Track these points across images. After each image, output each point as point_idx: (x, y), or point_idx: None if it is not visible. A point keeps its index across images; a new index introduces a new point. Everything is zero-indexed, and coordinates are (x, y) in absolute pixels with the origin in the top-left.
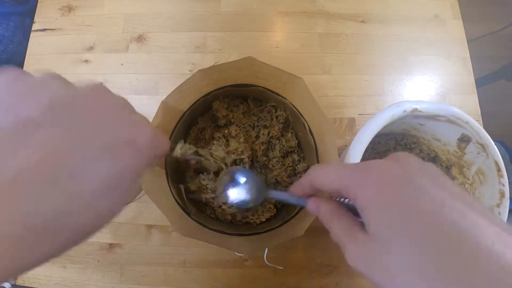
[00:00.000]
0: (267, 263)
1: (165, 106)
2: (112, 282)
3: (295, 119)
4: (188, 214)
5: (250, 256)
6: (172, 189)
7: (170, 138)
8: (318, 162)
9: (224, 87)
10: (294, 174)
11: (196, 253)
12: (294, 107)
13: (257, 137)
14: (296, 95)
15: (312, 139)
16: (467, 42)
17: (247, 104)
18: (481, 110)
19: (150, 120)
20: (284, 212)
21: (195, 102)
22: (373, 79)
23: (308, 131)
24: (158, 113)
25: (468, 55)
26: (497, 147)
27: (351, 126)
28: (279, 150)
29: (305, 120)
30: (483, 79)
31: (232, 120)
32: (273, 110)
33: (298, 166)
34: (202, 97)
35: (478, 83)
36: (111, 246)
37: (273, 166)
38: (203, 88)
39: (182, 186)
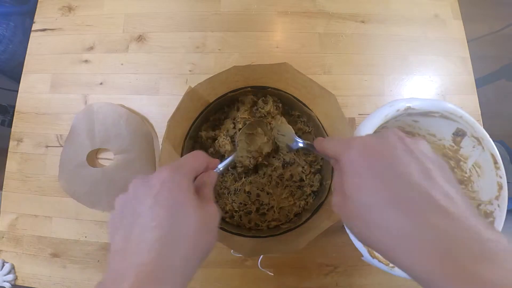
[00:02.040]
0: (260, 268)
1: (193, 92)
2: None
3: (318, 132)
4: None
5: (249, 257)
6: None
7: (193, 124)
8: (332, 178)
9: (253, 87)
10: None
11: None
12: (319, 121)
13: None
14: (323, 109)
15: None
16: (467, 42)
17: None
18: (481, 110)
19: (149, 119)
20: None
21: (223, 96)
22: (373, 79)
23: None
24: (184, 98)
25: (468, 55)
26: (497, 147)
27: (351, 126)
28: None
29: (327, 135)
30: (483, 79)
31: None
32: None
33: (314, 177)
34: (230, 92)
35: (478, 83)
36: None
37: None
38: (233, 84)
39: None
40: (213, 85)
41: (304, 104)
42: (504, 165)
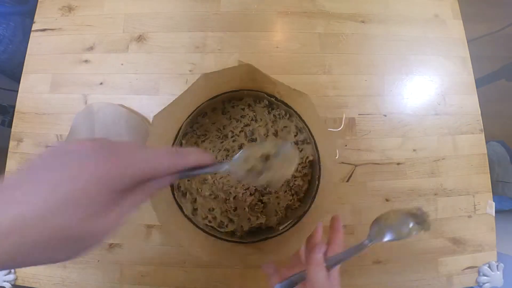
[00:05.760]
0: None
1: (164, 115)
2: (112, 282)
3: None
4: (182, 211)
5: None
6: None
7: (177, 135)
8: (317, 186)
9: (226, 93)
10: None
11: None
12: (301, 118)
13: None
14: (302, 108)
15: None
16: (467, 42)
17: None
18: (481, 110)
19: (150, 119)
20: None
21: (203, 103)
22: (373, 79)
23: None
24: (155, 125)
25: (468, 55)
26: (497, 147)
27: (351, 126)
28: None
29: (311, 135)
30: (483, 79)
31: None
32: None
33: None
34: (207, 101)
35: (478, 83)
36: (111, 246)
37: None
38: (207, 93)
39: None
40: (187, 101)
41: (285, 104)
42: (504, 165)
